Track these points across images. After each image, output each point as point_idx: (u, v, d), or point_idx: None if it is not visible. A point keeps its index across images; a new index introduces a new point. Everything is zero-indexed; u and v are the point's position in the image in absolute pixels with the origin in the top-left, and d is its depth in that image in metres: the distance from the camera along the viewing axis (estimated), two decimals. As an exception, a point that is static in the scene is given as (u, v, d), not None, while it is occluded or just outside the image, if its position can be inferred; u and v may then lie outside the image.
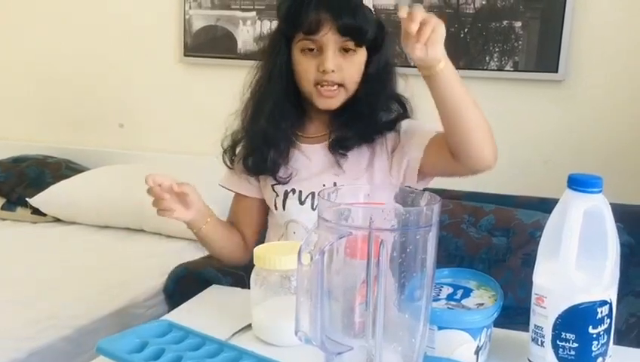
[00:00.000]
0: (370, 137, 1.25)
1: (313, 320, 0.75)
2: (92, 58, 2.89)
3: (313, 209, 1.26)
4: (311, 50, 1.22)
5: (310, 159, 1.29)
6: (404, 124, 1.27)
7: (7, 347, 1.54)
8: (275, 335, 1.01)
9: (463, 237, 2.04)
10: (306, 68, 1.22)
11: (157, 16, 2.77)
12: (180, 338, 0.96)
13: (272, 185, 1.31)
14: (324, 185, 1.25)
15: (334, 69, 1.20)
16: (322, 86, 1.22)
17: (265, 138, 1.27)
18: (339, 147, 1.25)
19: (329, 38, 1.19)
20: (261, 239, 1.38)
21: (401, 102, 1.29)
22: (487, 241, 2.03)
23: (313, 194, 1.27)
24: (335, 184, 1.25)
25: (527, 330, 0.92)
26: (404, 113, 1.29)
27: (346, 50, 1.21)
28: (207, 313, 1.15)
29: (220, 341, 0.96)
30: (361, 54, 1.24)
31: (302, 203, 1.28)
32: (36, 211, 2.58)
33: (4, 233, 2.46)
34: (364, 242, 0.77)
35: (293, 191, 1.29)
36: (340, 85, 1.23)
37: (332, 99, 1.24)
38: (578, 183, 0.85)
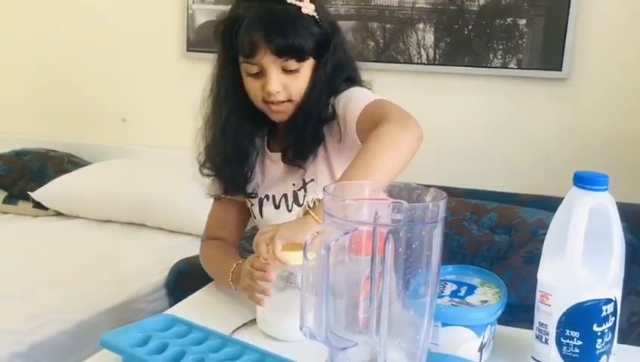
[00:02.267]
0: (317, 139, 1.22)
1: (318, 315, 0.75)
2: (95, 52, 2.89)
3: (289, 210, 1.26)
4: (255, 72, 1.17)
5: (277, 165, 1.29)
6: (340, 102, 1.21)
7: (9, 341, 1.54)
8: (280, 330, 1.01)
9: (464, 235, 2.04)
10: (252, 89, 1.20)
11: (160, 11, 2.77)
12: (184, 332, 0.96)
13: (249, 195, 1.32)
14: (293, 185, 1.26)
15: (279, 89, 1.17)
16: (269, 104, 1.20)
17: (223, 159, 1.26)
18: (291, 158, 1.24)
19: (267, 60, 1.14)
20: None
21: (351, 82, 1.25)
22: (489, 239, 2.03)
23: (285, 195, 1.27)
24: (304, 181, 1.25)
25: (529, 328, 0.92)
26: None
27: (289, 70, 1.17)
28: (210, 308, 1.15)
29: (223, 335, 0.96)
30: (307, 67, 1.19)
31: (277, 207, 1.28)
32: (38, 205, 2.58)
33: (5, 227, 2.45)
34: (368, 238, 0.77)
35: (267, 197, 1.29)
36: (288, 100, 1.20)
37: (282, 113, 1.22)
38: (584, 181, 0.84)
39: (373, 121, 1.09)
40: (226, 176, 1.28)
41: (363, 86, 1.26)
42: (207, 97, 1.27)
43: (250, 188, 1.30)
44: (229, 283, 1.17)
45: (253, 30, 1.13)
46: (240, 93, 1.22)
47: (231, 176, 1.27)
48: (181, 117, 2.77)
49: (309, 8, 1.16)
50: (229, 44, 1.18)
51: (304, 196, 1.25)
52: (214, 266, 1.28)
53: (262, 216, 1.30)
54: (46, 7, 2.94)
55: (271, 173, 1.30)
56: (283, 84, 1.17)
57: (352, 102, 1.18)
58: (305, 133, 1.20)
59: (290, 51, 1.14)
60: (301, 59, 1.17)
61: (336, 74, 1.22)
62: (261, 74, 1.17)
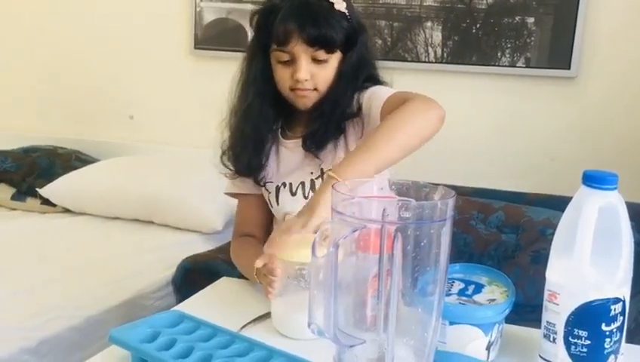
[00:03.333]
0: (338, 130, 1.27)
1: (326, 312, 0.75)
2: (103, 49, 2.90)
3: (305, 197, 1.29)
4: (286, 60, 1.23)
5: (294, 153, 1.32)
6: (364, 98, 1.27)
7: (17, 336, 1.55)
8: (293, 328, 1.01)
9: (471, 234, 2.04)
10: (281, 76, 1.26)
11: (168, 9, 2.77)
12: (192, 328, 0.96)
13: (264, 185, 1.34)
14: (311, 173, 1.30)
15: (307, 77, 1.23)
16: (296, 91, 1.26)
17: (242, 140, 1.31)
18: (311, 145, 1.28)
19: (299, 48, 1.21)
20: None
21: (375, 82, 1.31)
22: (497, 238, 2.03)
23: (303, 183, 1.31)
24: (322, 170, 1.29)
25: (536, 327, 0.92)
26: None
27: (318, 60, 1.23)
28: (218, 304, 1.15)
29: (231, 332, 0.96)
30: (335, 59, 1.25)
31: (293, 194, 1.31)
32: (46, 201, 2.59)
33: (14, 223, 2.46)
34: (377, 236, 0.77)
35: (284, 184, 1.32)
36: (314, 89, 1.26)
37: (306, 99, 1.27)
38: (593, 180, 0.84)
39: (397, 104, 1.13)
40: (243, 161, 1.31)
41: (385, 85, 1.31)
42: (235, 88, 1.33)
43: (261, 175, 1.32)
44: (254, 278, 1.18)
45: (288, 20, 1.20)
46: (267, 81, 1.28)
47: (247, 160, 1.31)
48: (188, 114, 2.81)
49: (340, 5, 1.24)
50: (264, 32, 1.25)
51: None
52: (242, 262, 1.31)
53: (278, 203, 1.32)
54: (54, 5, 2.95)
55: (287, 160, 1.33)
56: (311, 72, 1.23)
57: (376, 94, 1.23)
58: (328, 123, 1.25)
59: (321, 41, 1.21)
60: (330, 50, 1.23)
61: (360, 69, 1.28)
62: (291, 62, 1.23)
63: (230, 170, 1.35)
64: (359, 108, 1.25)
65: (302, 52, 1.21)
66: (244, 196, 1.39)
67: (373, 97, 1.23)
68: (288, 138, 1.34)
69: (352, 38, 1.26)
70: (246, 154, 1.30)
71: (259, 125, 1.30)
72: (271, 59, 1.26)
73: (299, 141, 1.30)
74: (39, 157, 2.75)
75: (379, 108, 1.19)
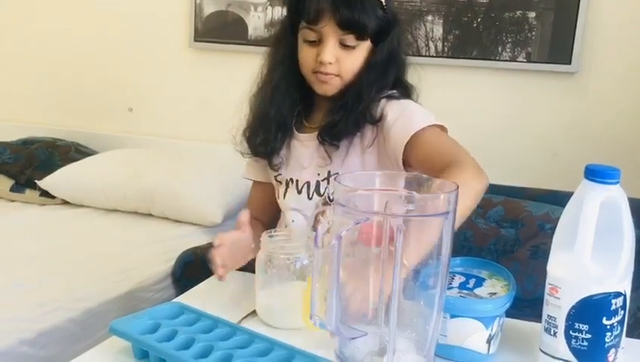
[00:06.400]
0: (357, 126, 1.22)
1: (328, 304, 0.75)
2: (102, 42, 2.89)
3: (309, 198, 1.27)
4: (313, 40, 1.20)
5: (307, 148, 1.29)
6: (390, 109, 1.22)
7: (16, 328, 1.55)
8: (278, 318, 1.01)
9: (471, 228, 2.04)
10: (306, 56, 1.22)
11: (168, 1, 2.76)
12: (192, 320, 0.97)
13: (275, 176, 1.33)
14: (318, 175, 1.26)
15: (332, 60, 1.18)
16: (319, 74, 1.21)
17: (263, 120, 1.28)
18: (326, 136, 1.24)
19: (328, 29, 1.17)
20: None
21: (405, 88, 1.27)
22: (496, 232, 2.03)
23: (308, 183, 1.28)
24: (329, 173, 1.25)
25: (533, 322, 0.92)
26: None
27: (346, 45, 1.19)
28: (217, 297, 1.15)
29: (231, 324, 0.96)
30: (363, 47, 1.21)
31: (299, 192, 1.29)
32: (45, 193, 2.58)
33: (12, 215, 2.46)
34: (379, 228, 0.77)
35: (292, 180, 1.30)
36: (337, 75, 1.21)
37: (327, 85, 1.22)
38: (595, 174, 0.84)
39: (441, 159, 1.09)
40: (261, 141, 1.28)
41: (412, 96, 1.26)
42: (263, 65, 1.30)
43: (275, 160, 1.30)
44: None
45: None
46: (294, 62, 1.24)
47: (266, 141, 1.28)
48: (188, 107, 2.80)
49: None
50: (295, 8, 1.21)
51: (326, 187, 1.25)
52: None
53: (284, 197, 1.31)
54: (54, -2, 2.95)
55: (298, 155, 1.29)
56: (337, 56, 1.19)
57: (407, 117, 1.18)
58: (349, 116, 1.20)
59: (352, 25, 1.17)
60: (360, 36, 1.19)
61: (390, 65, 1.23)
62: (318, 43, 1.19)
63: (247, 150, 1.32)
64: (381, 116, 1.20)
65: (331, 33, 1.17)
66: (257, 182, 1.40)
67: (402, 118, 1.17)
68: (303, 131, 1.30)
69: (385, 29, 1.20)
70: (265, 134, 1.27)
71: (282, 107, 1.26)
72: (298, 38, 1.23)
73: (312, 136, 1.27)
74: (38, 148, 2.75)
75: (406, 137, 1.14)
